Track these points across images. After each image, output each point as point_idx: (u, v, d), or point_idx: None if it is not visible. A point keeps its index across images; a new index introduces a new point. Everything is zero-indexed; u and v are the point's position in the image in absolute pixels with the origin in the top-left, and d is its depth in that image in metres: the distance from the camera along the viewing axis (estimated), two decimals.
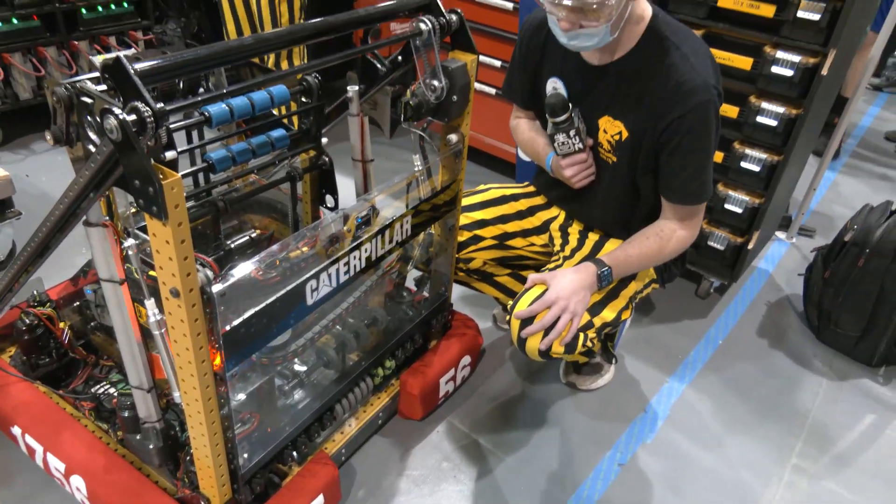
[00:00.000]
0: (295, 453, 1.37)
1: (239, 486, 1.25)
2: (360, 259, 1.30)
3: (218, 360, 1.09)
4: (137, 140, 0.84)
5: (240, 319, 1.06)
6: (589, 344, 1.49)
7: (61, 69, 2.80)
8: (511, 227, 1.73)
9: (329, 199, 1.59)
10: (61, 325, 1.64)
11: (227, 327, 1.05)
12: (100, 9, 2.86)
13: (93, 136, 1.02)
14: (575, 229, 1.68)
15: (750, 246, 2.12)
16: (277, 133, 1.38)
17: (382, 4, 1.33)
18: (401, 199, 1.52)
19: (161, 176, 0.86)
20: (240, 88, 1.14)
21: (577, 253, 1.61)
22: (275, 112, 1.46)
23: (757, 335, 2.18)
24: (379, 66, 1.49)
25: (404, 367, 1.69)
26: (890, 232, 1.95)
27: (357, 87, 1.50)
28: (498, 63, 2.66)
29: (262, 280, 1.16)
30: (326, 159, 1.54)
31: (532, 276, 1.48)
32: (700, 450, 1.75)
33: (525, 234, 1.74)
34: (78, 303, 1.70)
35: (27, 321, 1.58)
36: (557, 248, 1.68)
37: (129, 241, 1.06)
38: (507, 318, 1.48)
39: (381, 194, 1.39)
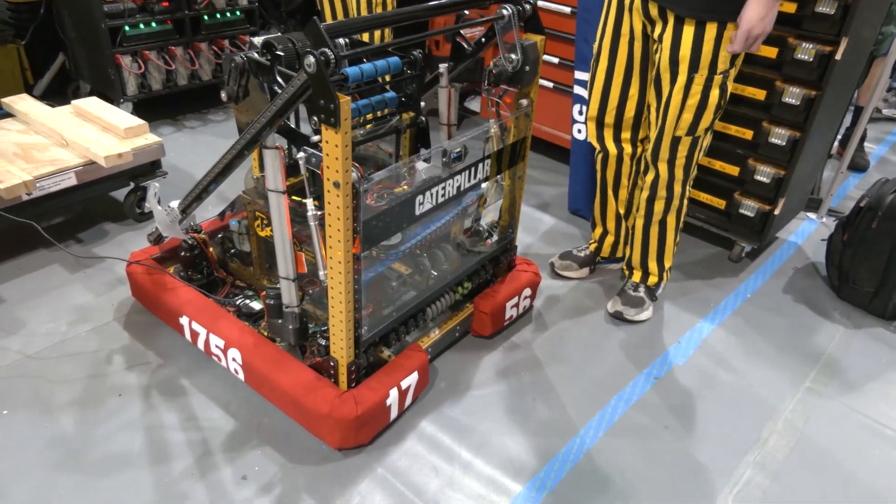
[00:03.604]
0: (396, 338, 1.77)
1: (359, 352, 1.65)
2: (452, 187, 1.70)
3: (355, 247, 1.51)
4: (326, 71, 1.27)
5: (372, 214, 1.48)
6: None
7: (186, 64, 3.34)
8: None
9: (423, 152, 2.01)
10: (210, 249, 2.11)
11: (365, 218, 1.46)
12: (218, 16, 3.41)
13: (279, 79, 1.48)
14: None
15: (776, 212, 2.43)
16: (390, 95, 1.81)
17: None
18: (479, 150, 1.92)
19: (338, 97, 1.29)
20: (366, 52, 1.60)
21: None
22: (386, 79, 1.88)
23: (782, 292, 2.48)
24: (466, 46, 1.92)
25: (477, 293, 2.08)
26: None
27: (447, 65, 1.92)
28: (556, 60, 3.05)
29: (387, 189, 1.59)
30: (423, 119, 1.97)
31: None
32: (725, 372, 2.07)
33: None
34: (221, 235, 2.17)
35: (189, 242, 2.04)
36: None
37: (301, 154, 1.49)
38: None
39: (467, 139, 1.79)
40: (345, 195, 1.39)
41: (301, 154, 1.50)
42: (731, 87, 1.89)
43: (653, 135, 1.99)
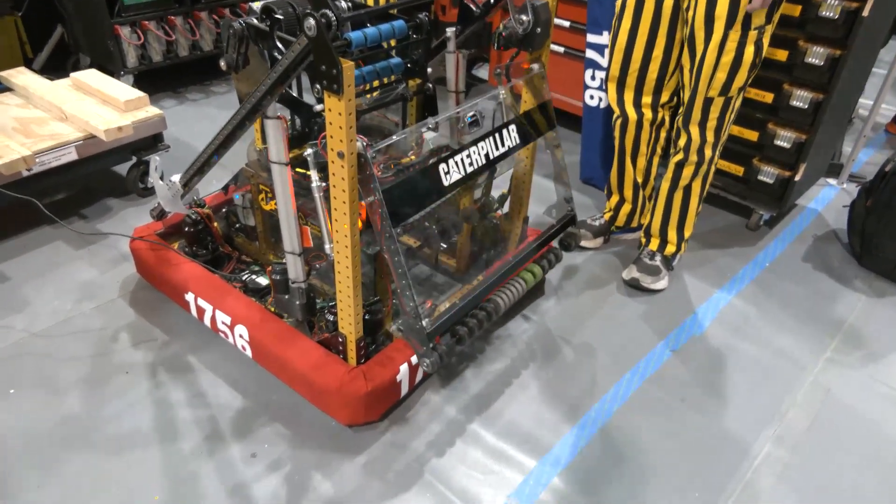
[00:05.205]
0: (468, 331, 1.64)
1: (427, 349, 1.57)
2: (479, 155, 1.61)
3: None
4: (327, 34, 1.20)
5: (392, 185, 1.40)
6: None
7: (186, 35, 3.25)
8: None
9: (430, 120, 1.93)
10: (215, 224, 2.06)
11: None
12: None
13: (279, 45, 1.41)
14: None
15: (797, 178, 2.35)
16: (395, 61, 1.74)
17: None
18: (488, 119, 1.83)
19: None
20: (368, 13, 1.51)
21: None
22: (391, 44, 1.80)
23: (802, 260, 2.41)
24: (474, 8, 1.83)
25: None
26: None
27: (454, 28, 1.84)
28: (567, 23, 2.95)
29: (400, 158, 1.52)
30: (430, 86, 1.89)
31: None
32: (743, 343, 2.02)
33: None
34: (225, 209, 2.12)
35: (193, 217, 1.99)
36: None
37: (309, 150, 1.43)
38: None
39: (478, 102, 1.70)
40: (350, 165, 1.33)
41: (309, 150, 1.43)
42: (766, 44, 1.81)
43: (685, 97, 1.92)
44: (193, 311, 1.91)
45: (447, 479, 1.56)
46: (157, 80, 3.38)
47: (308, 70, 1.36)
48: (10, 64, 3.09)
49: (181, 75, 3.47)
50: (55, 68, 3.28)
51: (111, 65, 3.10)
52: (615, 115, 2.14)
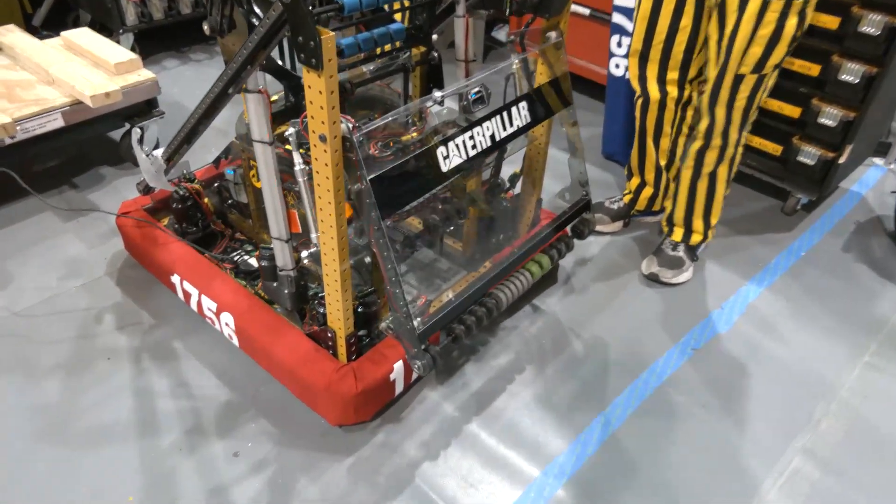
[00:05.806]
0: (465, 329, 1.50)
1: (419, 350, 1.44)
2: (484, 136, 1.44)
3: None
4: None
5: (382, 171, 1.25)
6: None
7: None
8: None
9: (436, 94, 1.76)
10: (205, 200, 1.93)
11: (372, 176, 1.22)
12: None
13: (257, 9, 1.25)
14: None
15: (841, 160, 2.13)
16: (396, 26, 1.56)
17: None
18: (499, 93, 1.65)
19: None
20: None
21: None
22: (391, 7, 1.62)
23: (842, 250, 2.22)
24: None
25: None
26: None
27: None
28: None
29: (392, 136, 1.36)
30: (435, 55, 1.72)
31: None
32: (773, 343, 1.85)
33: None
34: (217, 184, 1.99)
35: (180, 193, 1.86)
36: None
37: (290, 129, 1.28)
38: None
39: (485, 76, 1.52)
40: (333, 150, 1.18)
41: (290, 129, 1.28)
42: (810, 15, 1.59)
43: (712, 74, 1.70)
44: (180, 294, 1.80)
45: (440, 487, 1.44)
46: (160, 38, 3.23)
47: (290, 38, 1.20)
48: (9, 20, 2.97)
49: (184, 34, 3.31)
50: (57, 25, 3.13)
51: (110, 22, 2.94)
52: (636, 95, 1.94)
